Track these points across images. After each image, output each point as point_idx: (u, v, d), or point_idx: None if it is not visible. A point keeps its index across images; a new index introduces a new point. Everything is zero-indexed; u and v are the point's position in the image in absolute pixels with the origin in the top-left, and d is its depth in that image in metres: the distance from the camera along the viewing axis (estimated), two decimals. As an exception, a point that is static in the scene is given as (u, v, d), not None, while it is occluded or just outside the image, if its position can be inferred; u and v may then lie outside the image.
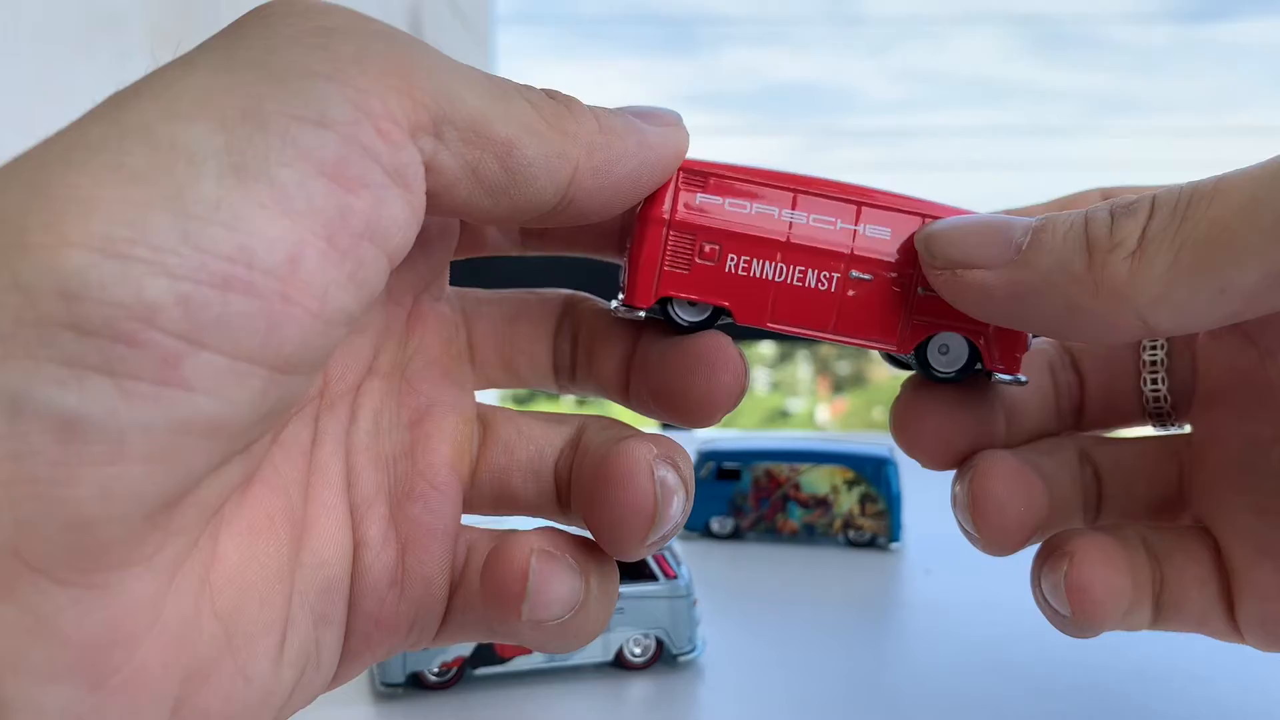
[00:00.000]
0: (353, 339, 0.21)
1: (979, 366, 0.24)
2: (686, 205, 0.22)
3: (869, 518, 0.48)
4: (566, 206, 0.20)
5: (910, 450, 0.25)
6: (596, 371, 0.24)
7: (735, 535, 0.50)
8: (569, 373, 0.25)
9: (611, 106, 0.21)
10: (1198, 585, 0.24)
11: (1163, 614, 0.25)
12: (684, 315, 0.23)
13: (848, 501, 0.49)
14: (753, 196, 0.22)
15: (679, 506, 0.21)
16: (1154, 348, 0.26)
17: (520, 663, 0.35)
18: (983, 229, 0.21)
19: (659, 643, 0.36)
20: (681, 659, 0.36)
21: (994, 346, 0.23)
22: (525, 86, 0.19)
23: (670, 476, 0.21)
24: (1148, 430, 0.27)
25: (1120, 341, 0.23)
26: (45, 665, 0.15)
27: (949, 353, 0.23)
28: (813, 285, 0.23)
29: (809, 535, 0.49)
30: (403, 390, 0.23)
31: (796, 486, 0.49)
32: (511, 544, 0.21)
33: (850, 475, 0.48)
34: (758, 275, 0.23)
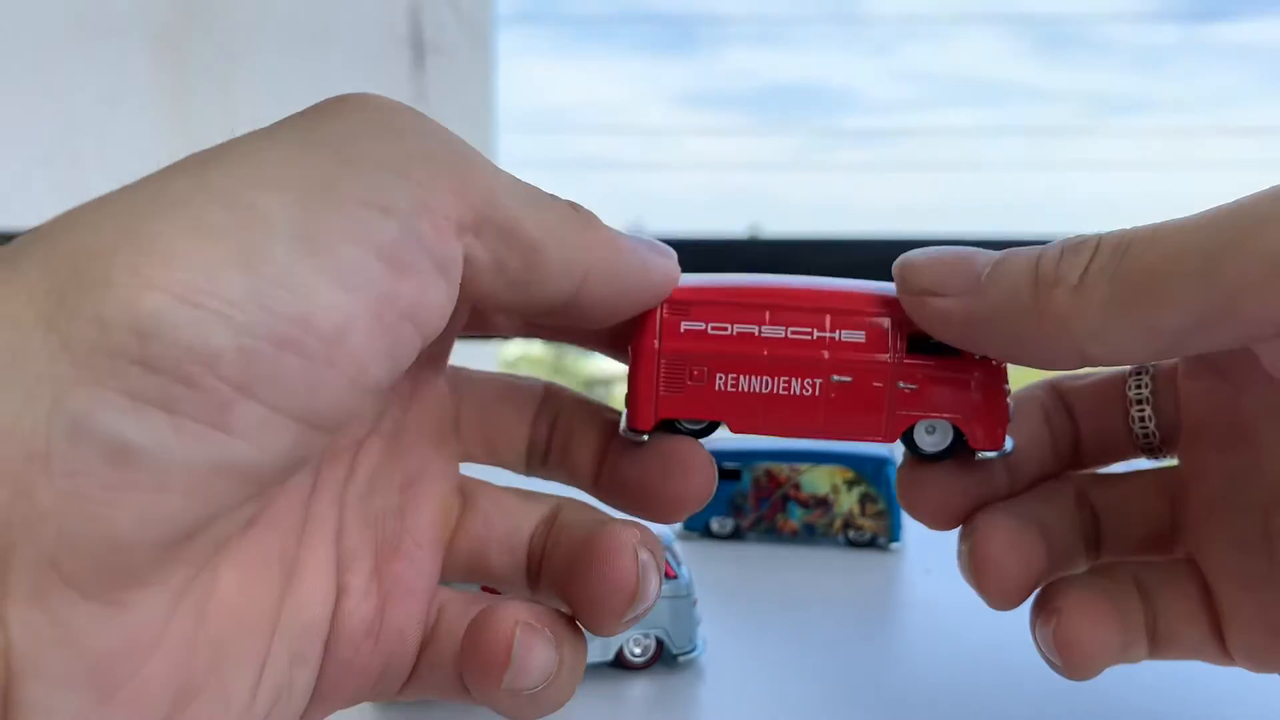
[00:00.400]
0: None
1: (964, 446, 0.25)
2: (673, 334, 0.24)
3: (869, 518, 0.48)
4: (572, 306, 0.22)
5: (914, 515, 0.27)
6: (571, 461, 0.26)
7: (735, 535, 0.50)
8: (541, 458, 0.26)
9: (622, 230, 0.23)
10: (1187, 620, 0.25)
11: (1158, 647, 0.26)
12: (689, 427, 0.25)
13: (848, 501, 0.49)
14: (732, 319, 0.24)
15: (655, 586, 0.23)
16: (1139, 386, 0.27)
17: (520, 663, 0.35)
18: (950, 260, 0.23)
19: (659, 643, 0.36)
20: (681, 659, 0.36)
21: (976, 426, 0.25)
22: (554, 197, 0.21)
23: (649, 558, 0.23)
24: (1142, 462, 0.28)
25: (1065, 369, 0.24)
26: (63, 673, 0.16)
27: (935, 433, 0.25)
28: (798, 393, 0.24)
29: (809, 535, 0.49)
30: (398, 454, 0.24)
31: (796, 486, 0.49)
32: (497, 614, 0.22)
33: (850, 475, 0.48)
34: (746, 390, 0.24)
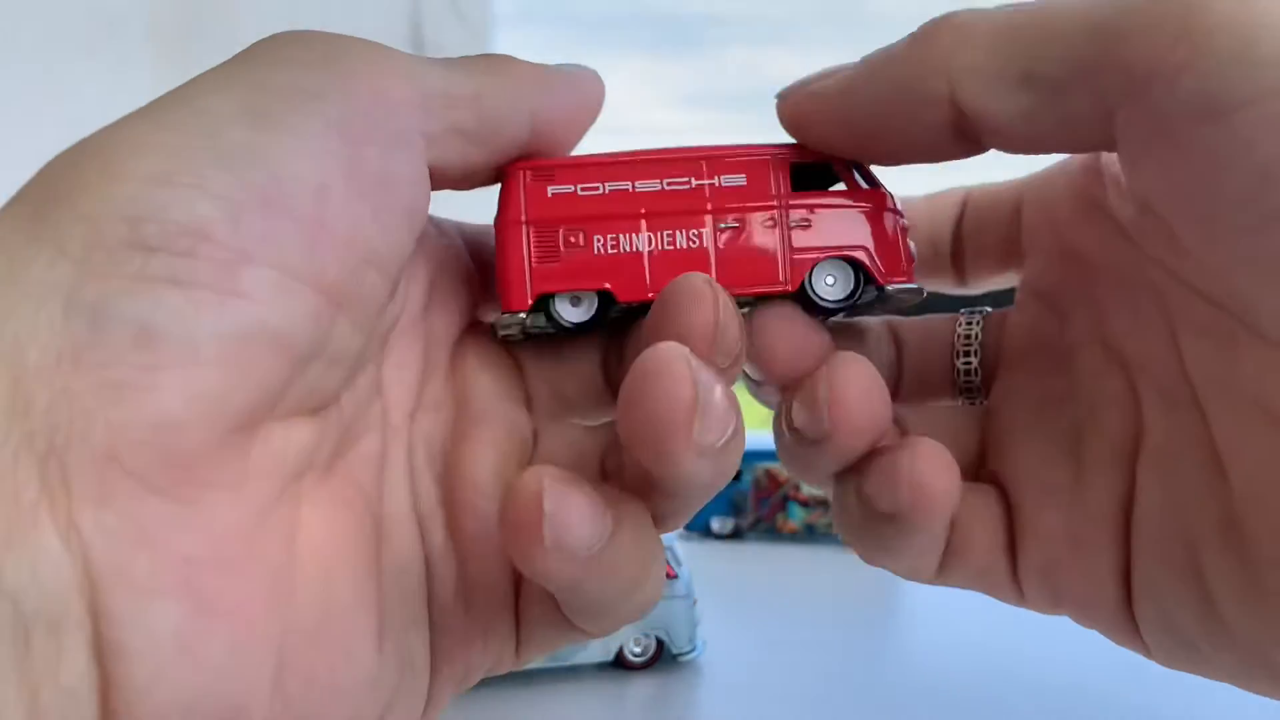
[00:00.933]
0: (402, 372, 0.22)
1: (868, 286, 0.23)
2: (540, 200, 0.23)
3: (869, 518, 0.49)
4: (540, 137, 0.22)
5: (762, 360, 0.23)
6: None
7: (735, 535, 0.50)
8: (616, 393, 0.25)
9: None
10: (982, 526, 0.23)
11: (947, 560, 0.24)
12: (568, 316, 0.23)
13: (848, 501, 0.49)
14: (602, 177, 0.23)
15: (722, 399, 0.19)
16: (970, 323, 0.26)
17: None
18: (826, 69, 0.22)
19: (659, 643, 0.36)
20: (681, 659, 0.36)
21: (880, 260, 0.23)
22: (467, 56, 0.22)
23: (703, 368, 0.19)
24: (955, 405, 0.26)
25: (927, 133, 0.21)
26: (150, 578, 0.16)
27: (835, 282, 0.23)
28: (684, 246, 0.23)
29: (809, 535, 0.49)
30: (457, 418, 0.23)
31: (796, 486, 0.49)
32: (523, 475, 0.19)
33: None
34: (628, 250, 0.23)
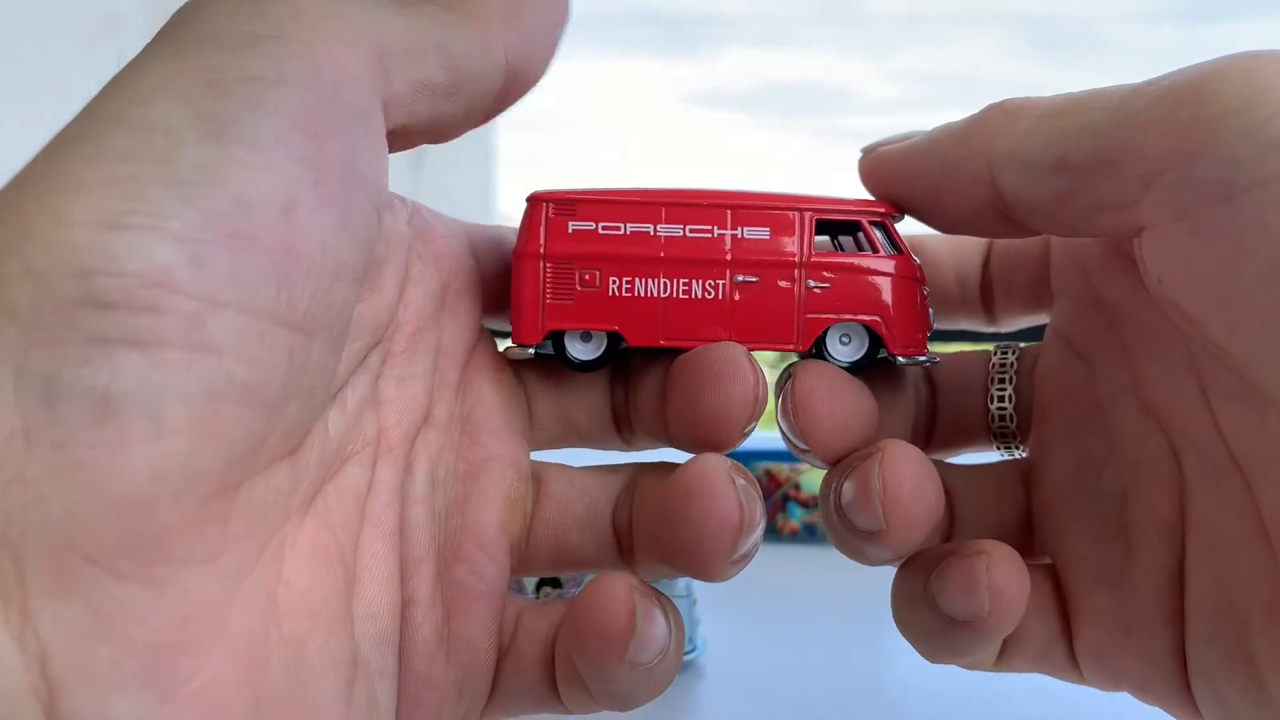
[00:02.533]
0: (407, 387, 0.21)
1: (882, 353, 0.23)
2: (560, 235, 0.22)
3: (869, 518, 0.48)
4: (514, 79, 0.20)
5: (808, 436, 0.23)
6: (641, 414, 0.24)
7: (735, 535, 0.50)
8: (629, 422, 0.24)
9: None
10: (1038, 615, 0.23)
11: (1006, 649, 0.24)
12: (577, 353, 0.23)
13: (848, 501, 0.49)
14: (625, 217, 0.22)
15: (760, 515, 0.20)
16: (1004, 356, 0.25)
17: (520, 663, 0.35)
18: (910, 134, 0.23)
19: (659, 643, 0.36)
20: (682, 659, 0.36)
21: (894, 329, 0.23)
22: None
23: (746, 485, 0.20)
24: (993, 455, 0.26)
25: (970, 206, 0.21)
26: (112, 670, 0.14)
27: (850, 341, 0.23)
28: (699, 296, 0.22)
29: (809, 535, 0.49)
30: (461, 443, 0.22)
31: (796, 486, 0.49)
32: (610, 583, 0.20)
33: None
34: (642, 294, 0.22)
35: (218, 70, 0.16)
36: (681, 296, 0.22)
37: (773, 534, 0.50)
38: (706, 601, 0.39)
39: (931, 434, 0.26)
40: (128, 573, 0.14)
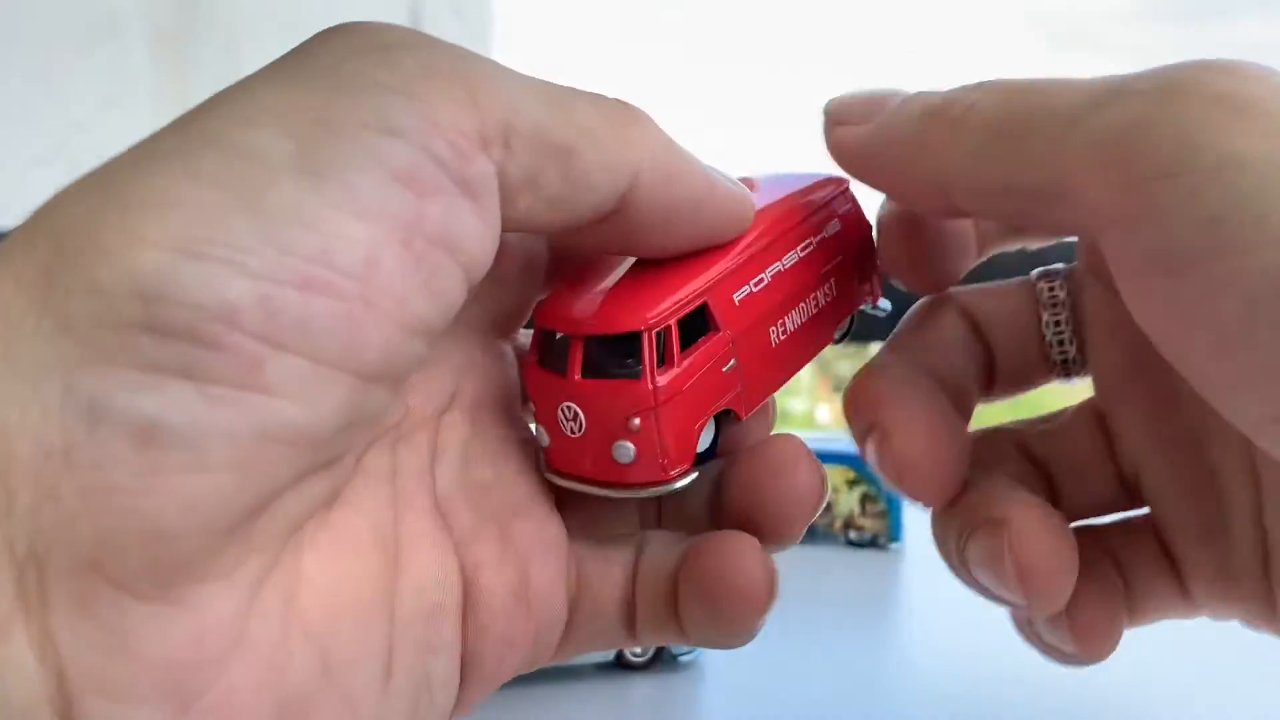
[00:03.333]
0: (431, 369, 0.21)
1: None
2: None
3: (869, 518, 0.48)
4: (624, 215, 0.19)
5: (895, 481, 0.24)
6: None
7: (735, 535, 0.50)
8: None
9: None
10: (1154, 576, 0.24)
11: (1135, 613, 0.24)
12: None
13: (848, 501, 0.49)
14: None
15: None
16: (1052, 291, 0.24)
17: (520, 663, 0.35)
18: (873, 94, 0.22)
19: (659, 643, 0.36)
20: (681, 659, 0.36)
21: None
22: (593, 93, 0.19)
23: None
24: (1055, 386, 0.25)
25: (930, 210, 0.22)
26: (128, 685, 0.14)
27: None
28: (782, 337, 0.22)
29: (809, 535, 0.49)
30: (488, 423, 0.22)
31: (797, 486, 0.49)
32: (743, 544, 0.21)
33: (851, 475, 0.48)
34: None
35: (329, 110, 0.16)
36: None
37: (773, 534, 0.50)
38: (706, 601, 0.39)
39: (993, 380, 0.25)
40: (147, 594, 0.15)
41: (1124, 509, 0.25)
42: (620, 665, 0.36)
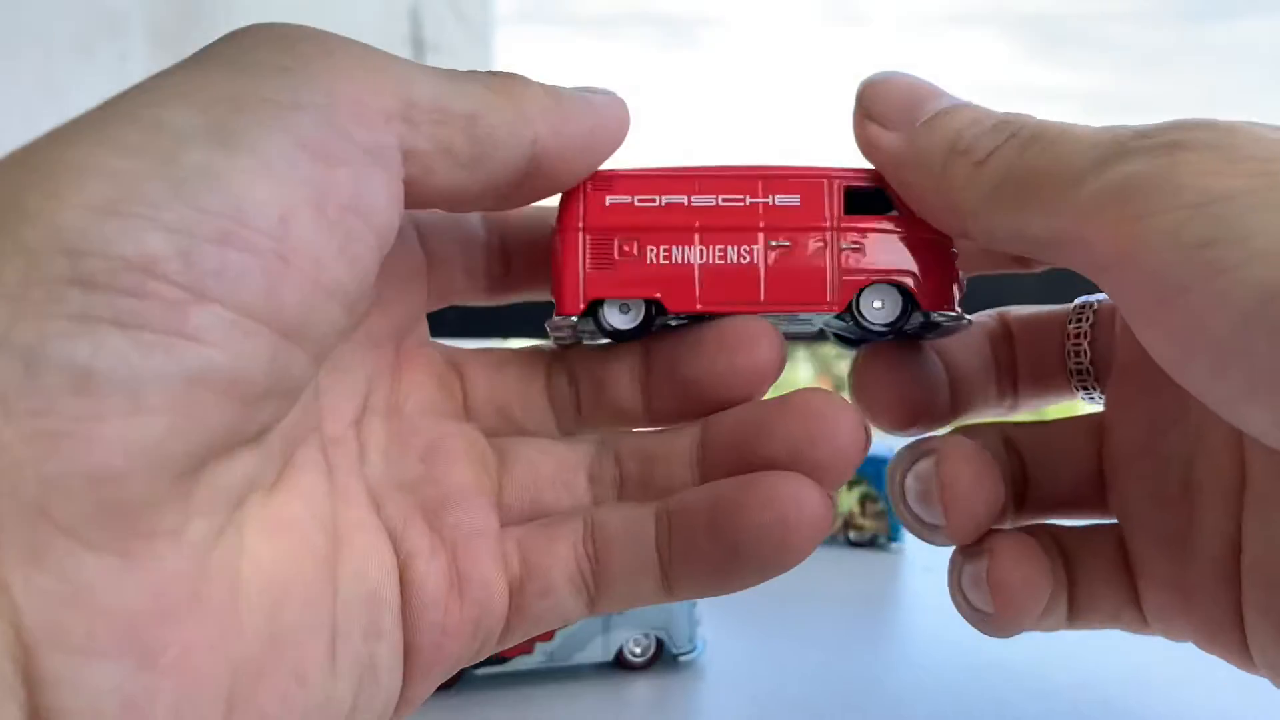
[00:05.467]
0: (342, 377, 0.22)
1: (915, 320, 0.24)
2: (597, 209, 0.23)
3: (869, 518, 0.48)
4: (535, 171, 0.21)
5: (870, 412, 0.26)
6: (610, 398, 0.24)
7: (735, 535, 0.50)
8: (573, 411, 0.25)
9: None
10: (1105, 582, 0.25)
11: (1077, 612, 0.25)
12: (614, 321, 0.23)
13: (848, 501, 0.49)
14: (659, 190, 0.23)
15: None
16: (1079, 320, 0.26)
17: (520, 663, 0.35)
18: (908, 92, 0.23)
19: (659, 643, 0.36)
20: (681, 659, 0.36)
21: (926, 287, 0.23)
22: (473, 71, 0.21)
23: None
24: (1077, 404, 0.27)
25: (952, 234, 0.23)
26: (88, 639, 0.15)
27: (884, 305, 0.24)
28: (734, 261, 0.23)
29: (809, 535, 0.49)
30: (405, 430, 0.23)
31: (796, 486, 0.49)
32: (798, 481, 0.21)
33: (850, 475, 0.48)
34: (679, 261, 0.23)
35: (235, 89, 0.17)
36: (717, 262, 0.23)
37: (773, 534, 0.50)
38: (706, 602, 0.39)
39: (1016, 384, 0.27)
40: (99, 543, 0.15)
41: (1086, 514, 0.26)
42: (620, 665, 0.36)
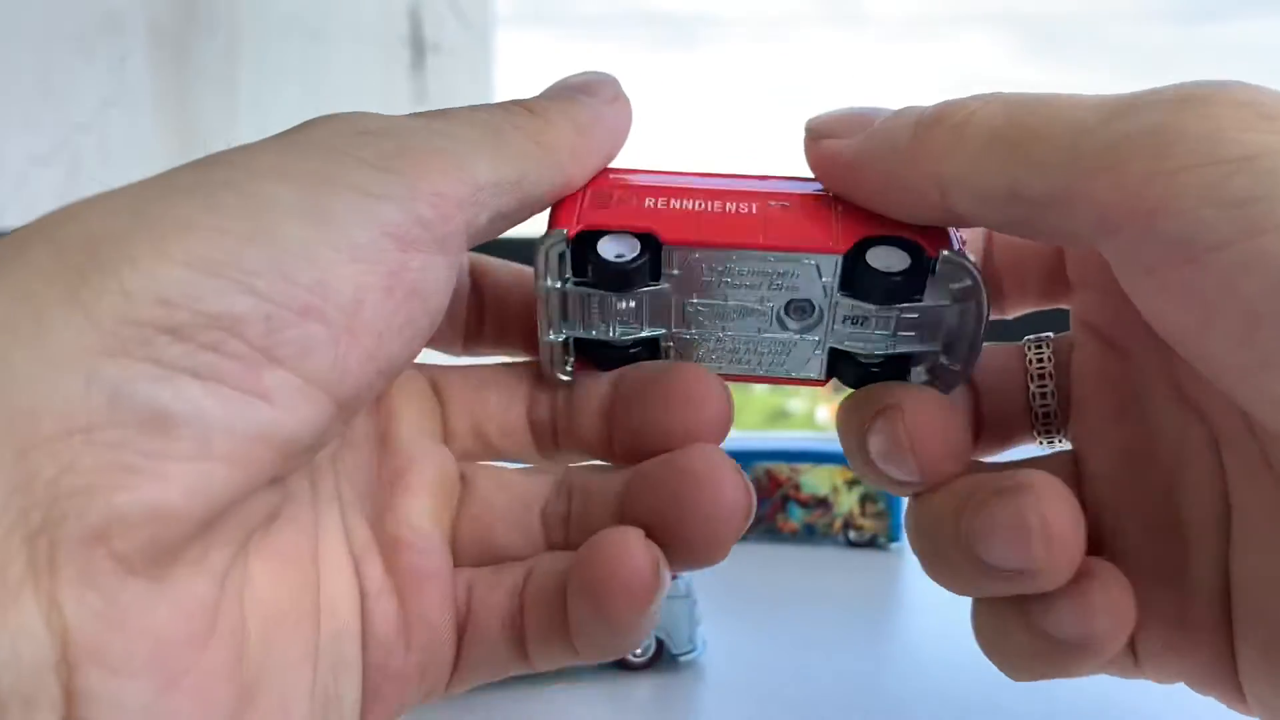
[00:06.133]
0: None
1: (925, 260, 0.22)
2: (600, 180, 0.23)
3: (869, 518, 0.48)
4: (567, 190, 0.22)
5: (922, 457, 0.23)
6: (576, 429, 0.24)
7: (735, 535, 0.50)
8: (550, 438, 0.25)
9: (557, 87, 0.23)
10: None
11: None
12: (610, 254, 0.22)
13: (848, 501, 0.49)
14: (664, 174, 0.24)
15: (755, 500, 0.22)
16: (1039, 354, 0.25)
17: (520, 662, 0.35)
18: (854, 114, 0.22)
19: (659, 643, 0.36)
20: (681, 659, 0.36)
21: (934, 241, 0.22)
22: (505, 110, 0.21)
23: (741, 470, 0.22)
24: (1036, 450, 0.26)
25: (922, 218, 0.21)
26: (125, 659, 0.15)
27: (892, 260, 0.22)
28: (734, 211, 0.22)
29: (809, 535, 0.49)
30: (381, 454, 0.23)
31: (796, 486, 0.49)
32: (625, 538, 0.21)
33: (850, 475, 0.48)
34: (678, 208, 0.22)
35: (328, 173, 0.18)
36: (717, 211, 0.22)
37: (773, 534, 0.50)
38: (706, 601, 0.39)
39: (979, 435, 0.25)
40: (141, 571, 0.16)
41: None
42: (620, 665, 0.36)
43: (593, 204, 0.23)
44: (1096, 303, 0.24)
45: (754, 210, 0.22)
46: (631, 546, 0.21)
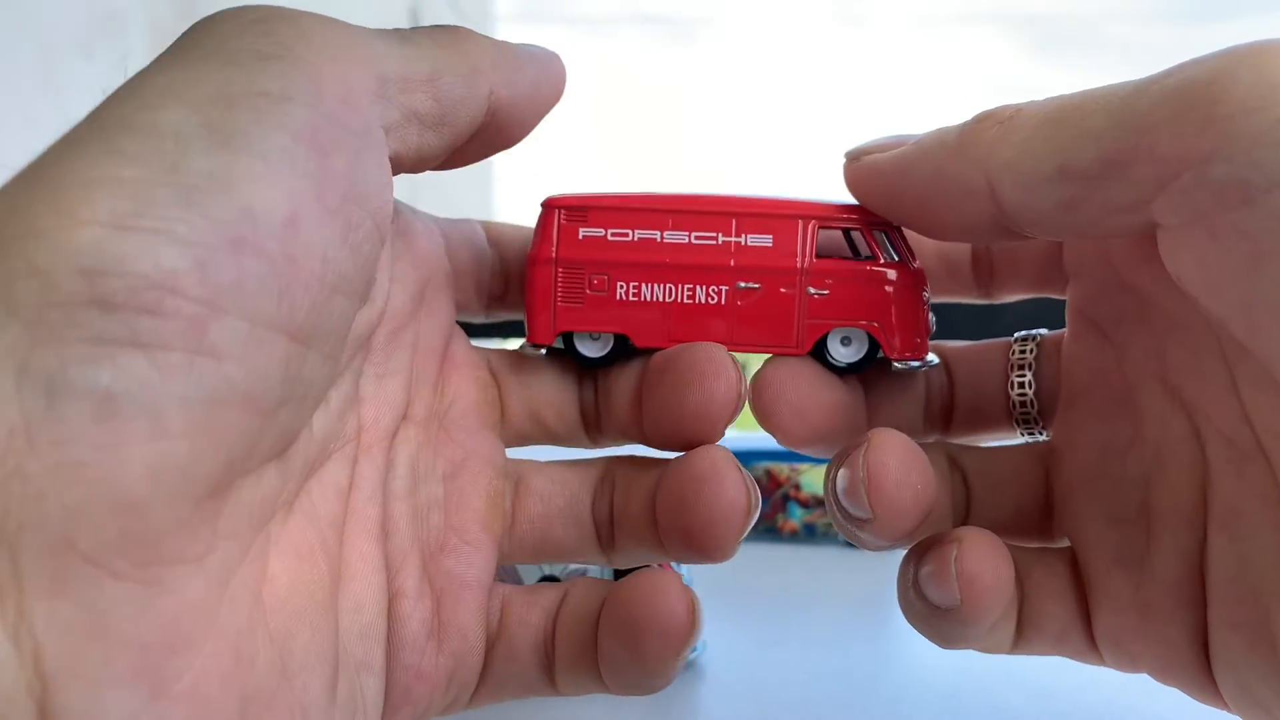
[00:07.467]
0: (384, 382, 0.22)
1: (880, 356, 0.24)
2: (571, 241, 0.24)
3: (869, 518, 0.48)
4: (491, 123, 0.21)
5: (768, 422, 0.24)
6: (614, 414, 0.25)
7: (735, 535, 0.50)
8: (596, 423, 0.25)
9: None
10: (1056, 599, 0.23)
11: (1023, 632, 0.24)
12: (586, 350, 0.24)
13: (848, 501, 0.49)
14: (633, 224, 0.23)
15: (758, 500, 0.23)
16: (1024, 350, 0.25)
17: (520, 663, 0.35)
18: (893, 137, 0.23)
19: (659, 643, 0.36)
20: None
21: (894, 334, 0.24)
22: (419, 28, 0.21)
23: (747, 473, 0.23)
24: (1014, 439, 0.26)
25: (972, 221, 0.21)
26: (106, 669, 0.14)
27: (850, 344, 0.24)
28: (703, 301, 0.23)
29: (809, 535, 0.49)
30: (440, 440, 0.23)
31: (796, 486, 0.49)
32: (666, 581, 0.21)
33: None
34: (649, 299, 0.24)
35: (226, 84, 0.17)
36: (686, 301, 0.24)
37: (773, 534, 0.50)
38: (707, 602, 0.38)
39: (950, 419, 0.26)
40: (123, 572, 0.14)
41: (1030, 538, 0.25)
42: (620, 665, 0.36)
43: (566, 293, 0.24)
44: (1096, 294, 0.24)
45: (722, 299, 0.23)
46: (670, 590, 0.21)
